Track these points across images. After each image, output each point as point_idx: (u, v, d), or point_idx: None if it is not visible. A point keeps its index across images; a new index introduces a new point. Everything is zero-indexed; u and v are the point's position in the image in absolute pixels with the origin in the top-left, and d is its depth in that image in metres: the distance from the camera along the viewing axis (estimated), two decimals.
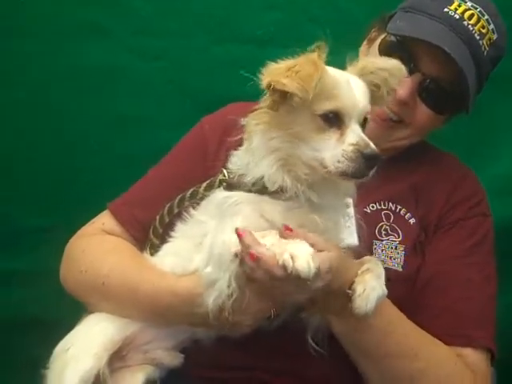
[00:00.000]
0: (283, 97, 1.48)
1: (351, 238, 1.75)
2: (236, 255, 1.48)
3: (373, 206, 1.88)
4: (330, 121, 1.50)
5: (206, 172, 1.77)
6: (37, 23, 2.59)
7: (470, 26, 1.80)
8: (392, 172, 1.82)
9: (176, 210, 1.77)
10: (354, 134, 1.49)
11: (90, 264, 1.82)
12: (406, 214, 1.89)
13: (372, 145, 1.49)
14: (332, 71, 1.53)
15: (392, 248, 1.83)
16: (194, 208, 1.73)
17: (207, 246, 1.61)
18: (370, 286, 1.53)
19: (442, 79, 1.82)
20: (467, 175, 1.99)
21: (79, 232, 1.95)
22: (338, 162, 1.47)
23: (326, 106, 1.49)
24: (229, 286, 1.51)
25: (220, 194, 1.63)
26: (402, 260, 1.82)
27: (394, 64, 1.59)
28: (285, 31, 2.52)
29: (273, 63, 1.50)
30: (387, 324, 1.65)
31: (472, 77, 1.80)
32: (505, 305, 2.51)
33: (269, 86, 1.47)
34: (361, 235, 1.76)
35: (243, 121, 1.62)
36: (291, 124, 1.52)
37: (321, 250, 1.48)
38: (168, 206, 1.80)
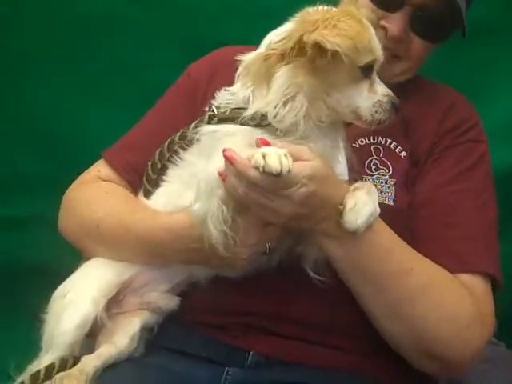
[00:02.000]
0: (322, 51, 1.49)
1: (341, 173, 1.71)
2: (220, 176, 1.49)
3: (362, 141, 1.86)
4: (366, 72, 1.56)
5: (195, 115, 1.75)
6: None
7: None
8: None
9: (167, 154, 1.77)
10: (381, 85, 1.59)
11: (85, 209, 1.84)
12: (396, 148, 1.86)
13: (388, 92, 1.59)
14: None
15: (382, 182, 1.81)
16: (184, 150, 1.72)
17: (196, 183, 1.61)
18: (361, 201, 1.53)
19: (431, 7, 1.79)
20: (457, 101, 1.94)
21: (77, 180, 1.97)
22: (376, 112, 1.57)
23: (368, 58, 1.54)
24: (220, 212, 1.51)
25: (207, 128, 1.63)
26: (393, 194, 1.80)
27: (359, 35, 1.53)
28: None
29: (305, 13, 1.55)
30: (385, 242, 1.63)
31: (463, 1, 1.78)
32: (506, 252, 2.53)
33: (316, 44, 1.48)
34: (350, 170, 1.73)
35: (241, 57, 1.62)
36: (327, 73, 1.53)
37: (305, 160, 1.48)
38: (159, 150, 1.80)
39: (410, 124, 1.87)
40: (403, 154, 1.85)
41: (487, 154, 1.90)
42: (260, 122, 1.56)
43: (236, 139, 1.55)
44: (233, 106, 1.61)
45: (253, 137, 1.54)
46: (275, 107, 1.54)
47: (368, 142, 1.86)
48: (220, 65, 1.93)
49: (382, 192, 1.80)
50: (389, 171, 1.82)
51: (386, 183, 1.81)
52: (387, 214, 1.73)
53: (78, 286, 1.73)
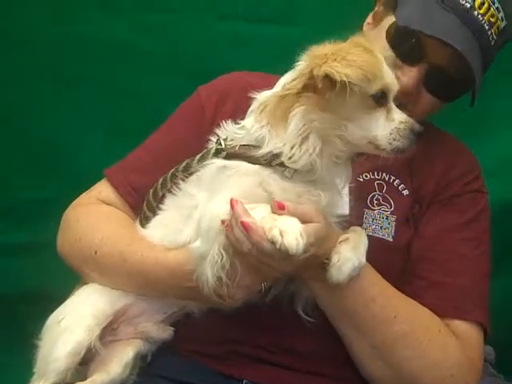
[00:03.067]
0: (333, 83, 1.48)
1: (343, 207, 1.73)
2: (224, 224, 1.49)
3: (366, 176, 1.86)
4: (379, 100, 1.54)
5: (201, 140, 1.73)
6: None
7: (479, 16, 1.75)
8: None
9: (169, 184, 1.75)
10: (398, 112, 1.57)
11: (83, 233, 1.83)
12: (399, 186, 1.86)
13: (411, 120, 1.57)
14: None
15: (383, 218, 1.82)
16: (186, 180, 1.71)
17: (196, 218, 1.61)
18: (344, 257, 1.54)
19: (448, 69, 1.78)
20: (463, 152, 1.96)
21: (76, 201, 1.94)
22: (394, 139, 1.55)
23: (378, 86, 1.53)
24: (219, 258, 1.51)
25: (216, 164, 1.61)
26: (393, 230, 1.81)
27: (369, 64, 1.52)
28: (289, 9, 2.51)
29: (314, 49, 1.54)
30: (370, 289, 1.65)
31: (479, 69, 1.77)
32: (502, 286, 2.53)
33: (326, 77, 1.48)
34: (352, 205, 1.74)
35: (255, 95, 1.62)
36: (339, 106, 1.53)
37: (308, 221, 1.48)
38: (162, 179, 1.78)
39: (415, 164, 1.88)
40: (406, 192, 1.86)
41: (488, 206, 1.92)
42: (270, 161, 1.55)
43: (245, 179, 1.55)
44: (243, 142, 1.59)
45: (262, 176, 1.55)
46: (292, 148, 1.53)
47: (372, 177, 1.87)
48: (229, 90, 1.92)
49: (381, 227, 1.81)
50: (390, 207, 1.83)
51: (386, 219, 1.82)
52: (385, 249, 1.78)
53: (73, 313, 1.72)
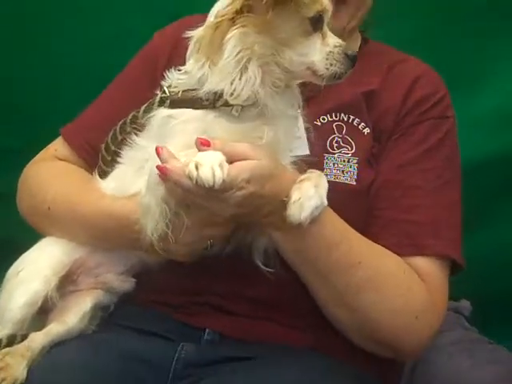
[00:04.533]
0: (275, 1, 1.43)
1: (302, 148, 1.69)
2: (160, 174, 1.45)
3: (323, 119, 1.80)
4: (316, 24, 1.49)
5: (156, 89, 1.68)
6: None
7: None
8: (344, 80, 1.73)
9: (120, 137, 1.73)
10: (333, 37, 1.52)
11: (37, 190, 1.83)
12: (359, 124, 1.79)
13: (342, 43, 1.53)
14: None
15: (344, 161, 1.75)
16: (136, 133, 1.68)
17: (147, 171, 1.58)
18: (306, 195, 1.47)
19: None
20: (424, 74, 1.86)
21: (34, 158, 1.95)
22: (331, 64, 1.50)
23: (317, 8, 1.48)
24: (160, 210, 1.48)
25: (162, 113, 1.57)
26: (355, 173, 1.74)
27: None
28: None
29: None
30: (332, 235, 1.59)
31: None
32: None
33: None
34: (311, 146, 1.70)
35: (190, 33, 1.56)
36: (276, 28, 1.47)
37: (244, 159, 1.43)
38: (111, 133, 1.75)
39: (373, 98, 1.81)
40: (366, 130, 1.79)
41: (452, 131, 1.83)
42: (214, 103, 1.50)
43: (189, 127, 1.51)
44: (184, 88, 1.55)
45: (207, 121, 1.50)
46: (232, 82, 1.48)
47: (330, 119, 1.80)
48: (181, 37, 1.82)
49: (343, 171, 1.75)
50: (352, 149, 1.77)
51: (348, 162, 1.76)
52: (349, 193, 1.73)
53: (31, 264, 1.72)
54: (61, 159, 1.90)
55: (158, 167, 1.41)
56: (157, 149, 1.44)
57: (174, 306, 1.77)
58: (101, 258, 1.75)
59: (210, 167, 1.34)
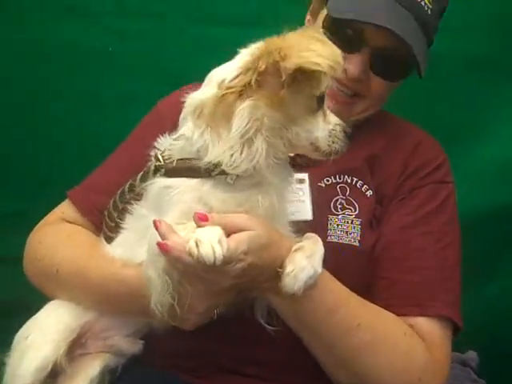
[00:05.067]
0: (292, 78, 1.45)
1: (304, 212, 1.73)
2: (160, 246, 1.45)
3: (328, 180, 1.84)
4: (319, 102, 1.53)
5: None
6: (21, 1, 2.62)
7: None
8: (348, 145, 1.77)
9: (120, 205, 1.75)
10: (332, 115, 1.57)
11: (45, 253, 1.85)
12: (362, 186, 1.84)
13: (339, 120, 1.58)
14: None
15: (348, 222, 1.79)
16: (135, 202, 1.69)
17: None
18: (299, 266, 1.49)
19: (389, 48, 1.78)
20: (423, 140, 1.93)
21: (41, 222, 1.97)
22: (333, 142, 1.55)
23: (323, 86, 1.50)
24: (163, 282, 1.49)
25: (158, 183, 1.57)
26: (359, 235, 1.78)
27: (333, 54, 1.49)
28: (263, 11, 2.49)
29: (256, 47, 1.50)
30: (330, 299, 1.60)
31: (419, 41, 1.78)
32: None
33: (296, 67, 1.42)
34: (315, 210, 1.74)
35: (188, 96, 1.56)
36: (290, 105, 1.49)
37: (241, 230, 1.44)
38: (112, 200, 1.78)
39: (376, 162, 1.86)
40: (369, 192, 1.83)
41: (452, 196, 1.88)
42: (210, 172, 1.50)
43: (185, 197, 1.51)
44: (182, 155, 1.55)
45: (201, 191, 1.51)
46: (232, 155, 1.48)
47: (334, 181, 1.84)
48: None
49: (347, 232, 1.78)
50: (355, 210, 1.81)
51: (351, 223, 1.79)
52: (352, 254, 1.76)
53: (39, 329, 1.73)
54: (68, 221, 1.92)
55: (158, 244, 1.42)
56: (155, 222, 1.45)
57: (181, 369, 1.78)
58: (108, 322, 1.76)
59: (210, 245, 1.36)
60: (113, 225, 1.77)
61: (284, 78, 1.44)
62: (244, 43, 1.54)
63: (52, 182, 2.51)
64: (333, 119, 1.56)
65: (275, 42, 1.47)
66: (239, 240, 1.42)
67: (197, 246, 1.36)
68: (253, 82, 1.46)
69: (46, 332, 1.71)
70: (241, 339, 1.73)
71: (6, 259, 1.99)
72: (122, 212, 1.74)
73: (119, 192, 1.76)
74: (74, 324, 1.72)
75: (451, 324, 1.75)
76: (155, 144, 1.63)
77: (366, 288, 1.72)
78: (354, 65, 1.78)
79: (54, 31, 2.61)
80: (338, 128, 1.55)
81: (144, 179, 1.65)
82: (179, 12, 2.56)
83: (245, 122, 1.46)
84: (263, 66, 1.45)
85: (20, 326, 1.77)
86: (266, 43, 1.49)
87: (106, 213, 1.80)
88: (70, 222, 1.92)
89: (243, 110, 1.46)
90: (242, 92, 1.47)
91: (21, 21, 2.61)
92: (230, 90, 1.49)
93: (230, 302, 1.60)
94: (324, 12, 1.84)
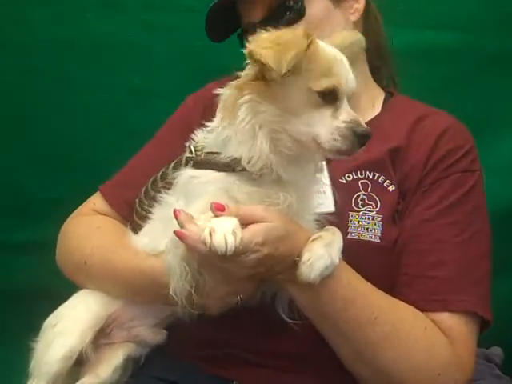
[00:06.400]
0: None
1: (326, 204, 1.72)
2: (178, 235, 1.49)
3: (349, 176, 1.83)
4: (326, 97, 1.49)
5: None
6: None
7: None
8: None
9: (152, 193, 1.79)
10: (347, 112, 1.50)
11: (76, 244, 1.90)
12: (384, 181, 1.81)
13: (363, 123, 1.49)
14: (326, 48, 1.53)
15: (369, 219, 1.77)
16: (166, 189, 1.73)
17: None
18: (316, 254, 1.50)
19: None
20: (449, 128, 1.85)
21: (74, 212, 2.02)
22: (334, 139, 1.48)
23: (325, 84, 1.48)
24: (183, 270, 1.53)
25: (186, 173, 1.62)
26: (380, 231, 1.76)
27: (358, 36, 1.55)
28: None
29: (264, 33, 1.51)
30: (348, 290, 1.60)
31: None
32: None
33: (250, 55, 1.48)
34: (336, 203, 1.73)
35: (219, 90, 1.60)
36: (285, 97, 1.50)
37: (257, 221, 1.46)
38: (144, 188, 1.82)
39: (398, 155, 1.82)
40: (392, 187, 1.80)
41: (478, 185, 1.82)
42: (234, 167, 1.54)
43: (211, 188, 1.54)
44: (208, 149, 1.60)
45: (227, 183, 1.54)
46: (249, 150, 1.51)
47: (356, 176, 1.83)
48: (215, 99, 1.92)
49: (368, 229, 1.77)
50: (376, 206, 1.79)
51: (372, 219, 1.77)
52: (373, 251, 1.75)
53: (67, 317, 1.78)
54: (100, 213, 1.98)
55: (175, 232, 1.46)
56: (174, 212, 1.48)
57: (203, 358, 1.81)
58: (134, 312, 1.80)
59: (223, 235, 1.38)
60: (143, 213, 1.81)
61: (252, 65, 1.49)
62: None
63: (88, 170, 2.61)
64: (344, 116, 1.49)
65: (266, 36, 1.49)
66: (255, 231, 1.45)
67: (210, 235, 1.39)
68: (255, 74, 1.51)
69: (73, 321, 1.76)
70: (260, 330, 1.75)
71: (42, 244, 2.05)
72: (153, 200, 1.77)
73: (151, 180, 1.80)
74: (102, 313, 1.77)
75: (477, 318, 1.72)
76: (192, 135, 1.67)
77: (388, 284, 1.71)
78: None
79: (89, 23, 2.69)
80: (344, 125, 1.47)
81: (176, 168, 1.69)
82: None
83: (245, 116, 1.51)
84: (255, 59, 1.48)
85: (50, 312, 1.82)
86: (263, 35, 1.50)
87: (136, 200, 1.84)
88: (101, 214, 1.97)
89: (242, 103, 1.51)
90: (244, 86, 1.52)
91: (60, 16, 2.69)
92: (240, 81, 1.54)
93: (252, 291, 1.62)
94: None
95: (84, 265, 1.82)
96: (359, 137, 1.48)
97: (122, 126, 2.71)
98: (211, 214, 1.46)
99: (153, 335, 1.82)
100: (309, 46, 1.47)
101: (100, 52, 2.69)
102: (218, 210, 1.45)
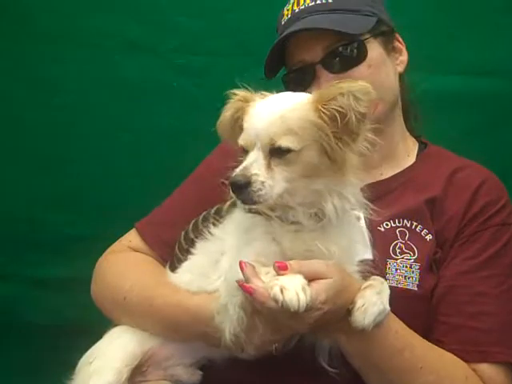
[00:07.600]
0: None
1: (365, 251, 1.75)
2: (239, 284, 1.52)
3: (387, 224, 1.86)
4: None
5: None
6: (88, 37, 2.75)
7: (302, 7, 1.90)
8: (407, 186, 1.84)
9: (201, 227, 1.81)
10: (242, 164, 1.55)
11: (114, 280, 1.92)
12: (422, 231, 1.85)
13: (237, 170, 1.53)
14: (259, 105, 1.60)
15: (407, 267, 1.81)
16: (215, 225, 1.77)
17: (223, 267, 1.66)
18: (369, 301, 1.54)
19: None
20: (486, 181, 1.91)
21: (108, 249, 2.04)
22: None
23: (240, 142, 1.58)
24: (237, 313, 1.56)
25: (239, 216, 1.67)
26: (417, 279, 1.79)
27: (359, 87, 1.52)
28: None
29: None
30: (396, 340, 1.64)
31: (349, 21, 1.86)
32: None
33: None
34: (374, 250, 1.76)
35: None
36: None
37: (319, 277, 1.50)
38: (193, 222, 1.85)
39: (435, 205, 1.87)
40: (429, 236, 1.84)
41: None
42: (281, 218, 1.58)
43: (258, 235, 1.59)
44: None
45: (274, 228, 1.58)
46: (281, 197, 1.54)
47: (393, 225, 1.86)
48: None
49: (405, 277, 1.80)
50: (414, 255, 1.82)
51: (410, 267, 1.81)
52: (411, 299, 1.78)
53: (103, 355, 1.78)
54: (135, 250, 1.99)
55: (242, 285, 1.49)
56: (240, 264, 1.51)
57: None
58: (171, 351, 1.80)
59: (296, 292, 1.42)
60: (186, 247, 1.83)
61: None
62: None
63: (119, 210, 2.62)
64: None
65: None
66: (319, 289, 1.48)
67: (282, 292, 1.42)
68: None
69: (109, 358, 1.76)
70: (293, 374, 1.74)
71: (75, 280, 2.06)
72: (193, 243, 1.80)
73: (203, 213, 1.83)
74: (138, 350, 1.77)
75: None
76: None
77: (424, 332, 1.74)
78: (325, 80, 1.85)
79: (122, 66, 2.75)
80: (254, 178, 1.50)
81: (232, 207, 1.72)
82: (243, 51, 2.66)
83: None
84: None
85: (84, 348, 1.82)
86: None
87: (182, 233, 1.86)
88: (137, 251, 1.99)
89: None
90: None
91: (91, 56, 2.74)
92: None
93: (287, 339, 1.65)
94: None
95: (123, 300, 1.83)
96: (231, 185, 1.52)
97: (153, 167, 2.75)
98: (273, 271, 1.49)
99: (189, 375, 1.81)
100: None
101: (132, 93, 2.74)
102: (281, 269, 1.48)
